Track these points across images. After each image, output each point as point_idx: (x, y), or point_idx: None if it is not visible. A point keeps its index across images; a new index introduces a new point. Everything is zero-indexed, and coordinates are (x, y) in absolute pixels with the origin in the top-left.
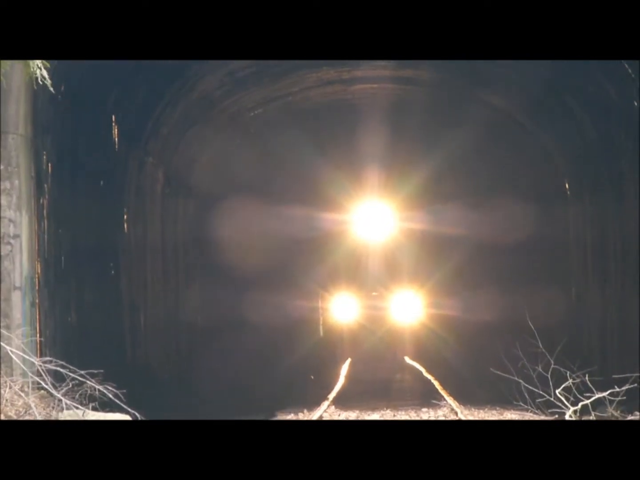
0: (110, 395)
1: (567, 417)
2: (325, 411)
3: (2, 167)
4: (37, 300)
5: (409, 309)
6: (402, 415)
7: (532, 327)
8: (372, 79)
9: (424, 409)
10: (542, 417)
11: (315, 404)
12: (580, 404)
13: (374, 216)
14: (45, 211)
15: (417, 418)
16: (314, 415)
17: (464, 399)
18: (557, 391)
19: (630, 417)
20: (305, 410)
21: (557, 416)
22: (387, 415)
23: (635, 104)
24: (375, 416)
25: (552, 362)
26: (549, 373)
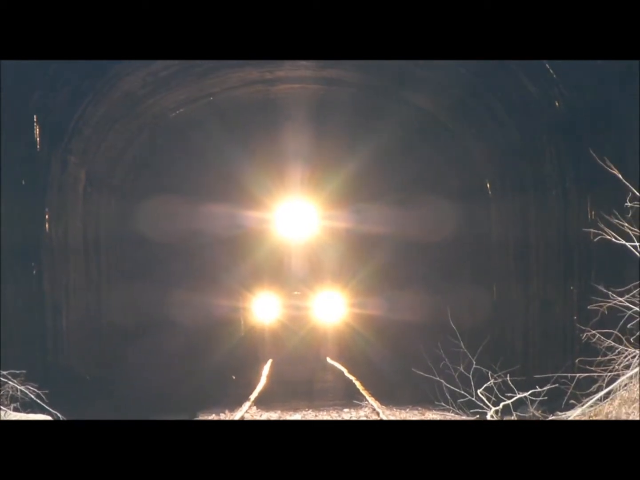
0: (32, 396)
1: (488, 417)
2: (247, 412)
3: None
4: None
5: (332, 308)
6: (324, 416)
7: (455, 326)
8: (295, 79)
9: (346, 410)
10: (463, 417)
11: (237, 404)
12: (501, 404)
13: (297, 214)
14: None
15: (339, 418)
16: (236, 416)
17: (387, 400)
18: (478, 391)
19: (551, 417)
20: (227, 411)
21: (478, 416)
22: (309, 415)
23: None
24: (297, 417)
25: (474, 362)
26: (471, 373)
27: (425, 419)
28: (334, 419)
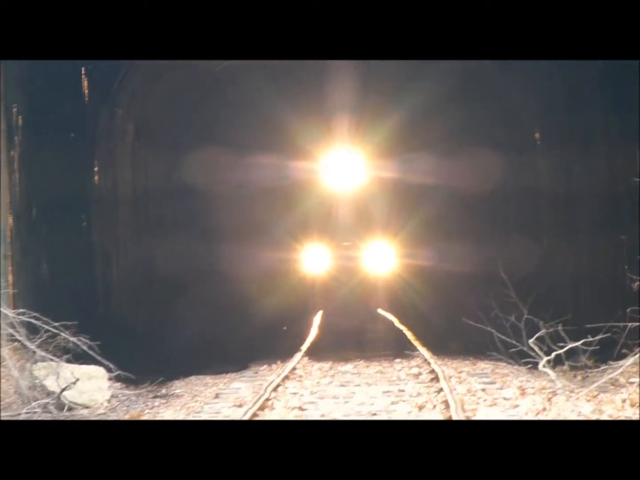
0: (85, 347)
1: (540, 367)
2: (299, 362)
3: None
4: (9, 253)
5: (382, 259)
6: (375, 366)
7: (505, 277)
8: None
9: (397, 360)
10: (515, 367)
11: (289, 354)
12: (553, 354)
13: (345, 165)
14: (16, 164)
15: (390, 368)
16: (288, 367)
17: (438, 350)
18: (530, 341)
19: (603, 367)
20: (278, 362)
21: (530, 366)
22: (360, 365)
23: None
24: (348, 367)
25: (525, 312)
26: (522, 323)
27: (477, 369)
28: (385, 368)
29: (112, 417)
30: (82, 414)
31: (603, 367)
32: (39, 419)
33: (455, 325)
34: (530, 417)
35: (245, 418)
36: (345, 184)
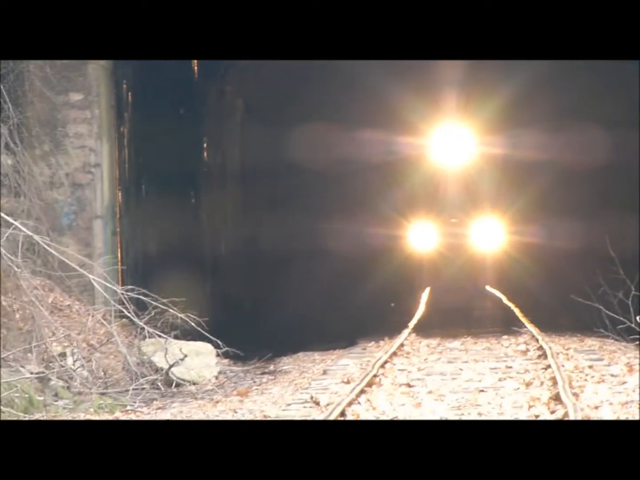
0: (193, 324)
1: None
2: (407, 339)
3: (82, 96)
4: (118, 229)
5: (490, 236)
6: (483, 342)
7: (613, 254)
8: None
9: (505, 337)
10: (623, 344)
11: (396, 331)
12: None
13: (452, 140)
14: (125, 140)
15: (498, 345)
16: (395, 343)
17: (546, 327)
18: (638, 317)
19: None
20: (386, 338)
21: (638, 342)
22: (468, 342)
23: None
24: (456, 343)
25: (633, 288)
26: (630, 299)
27: (586, 345)
28: (493, 345)
29: (220, 393)
30: (190, 390)
31: None
32: (42, 419)
33: (563, 303)
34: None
35: (353, 395)
36: (453, 160)
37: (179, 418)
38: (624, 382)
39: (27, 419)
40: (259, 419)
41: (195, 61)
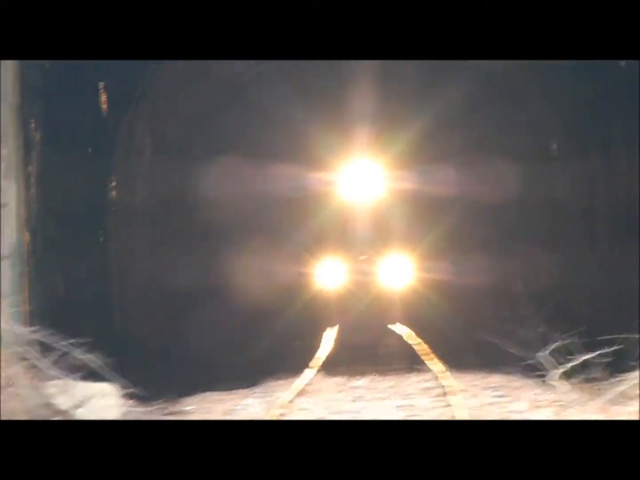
0: (97, 365)
1: (553, 380)
2: (312, 377)
3: None
4: (25, 269)
5: (399, 273)
6: (389, 380)
7: (521, 290)
8: None
9: (411, 374)
10: (528, 380)
11: (301, 370)
12: (565, 367)
13: (362, 176)
14: (33, 179)
15: (403, 383)
16: (301, 382)
17: (453, 363)
18: (543, 353)
19: (616, 379)
20: (292, 377)
21: (543, 379)
22: (374, 380)
23: (622, 64)
24: (362, 381)
25: (539, 324)
26: (536, 336)
27: (490, 382)
28: (398, 383)
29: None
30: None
31: (616, 379)
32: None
33: (470, 339)
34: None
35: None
36: (362, 196)
37: None
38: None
39: (27, 419)
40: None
41: (104, 98)
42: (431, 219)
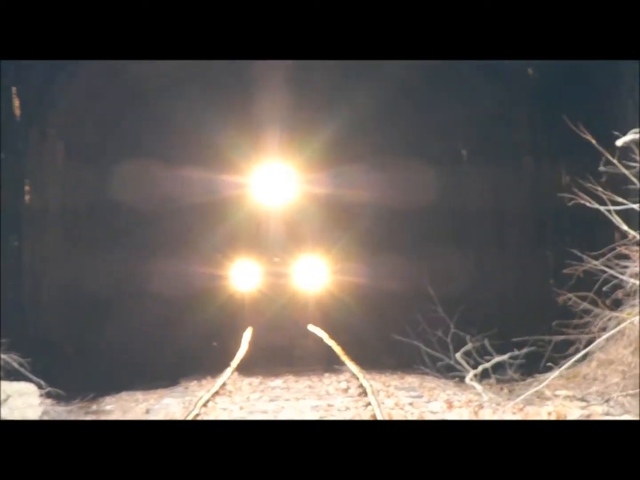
0: (15, 364)
1: (467, 380)
2: (229, 378)
3: None
4: None
5: (313, 275)
6: (305, 381)
7: (433, 292)
8: None
9: (326, 374)
10: (443, 380)
11: (218, 370)
12: (480, 367)
13: (275, 179)
14: None
15: (319, 383)
16: (218, 383)
17: (368, 365)
18: (457, 355)
19: (529, 380)
20: (208, 377)
21: (457, 379)
22: (289, 380)
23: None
24: (278, 382)
25: (452, 326)
26: (449, 337)
27: (405, 382)
28: (314, 383)
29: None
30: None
31: (529, 380)
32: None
33: (384, 340)
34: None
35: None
36: (275, 199)
37: None
38: (444, 419)
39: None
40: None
41: (17, 104)
42: (344, 222)
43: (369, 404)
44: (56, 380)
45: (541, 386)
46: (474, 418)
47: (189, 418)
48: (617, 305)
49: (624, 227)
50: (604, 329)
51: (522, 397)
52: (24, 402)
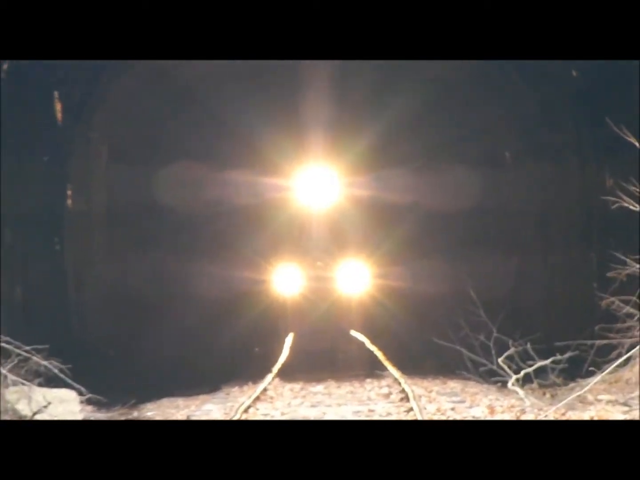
0: (56, 371)
1: (509, 385)
2: (270, 383)
3: None
4: None
5: (355, 279)
6: (347, 386)
7: (476, 296)
8: None
9: (368, 380)
10: (485, 385)
11: (260, 376)
12: (522, 372)
13: (318, 182)
14: None
15: (361, 388)
16: (259, 388)
17: (410, 370)
18: (499, 360)
19: (572, 385)
20: (250, 383)
21: (499, 384)
22: (331, 386)
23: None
24: (319, 387)
25: (495, 330)
26: (492, 342)
27: (447, 387)
28: (356, 389)
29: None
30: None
31: (571, 384)
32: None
33: (426, 345)
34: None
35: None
36: (318, 202)
37: None
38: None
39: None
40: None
41: (59, 107)
42: (387, 226)
43: (411, 409)
44: (97, 386)
45: (583, 391)
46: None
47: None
48: None
49: None
50: None
51: (564, 401)
52: (64, 409)
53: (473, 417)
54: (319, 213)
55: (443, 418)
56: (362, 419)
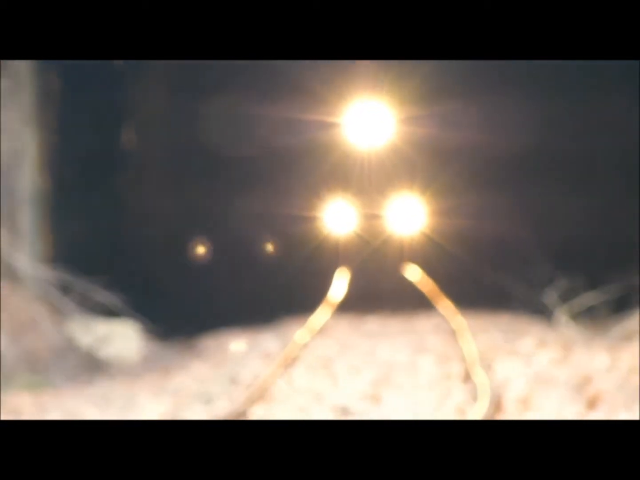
0: (117, 303)
1: (558, 318)
2: (325, 317)
3: (10, 82)
4: (45, 212)
5: (409, 217)
6: (398, 321)
7: (529, 233)
8: None
9: (420, 314)
10: (535, 319)
11: (315, 308)
12: (573, 307)
13: (370, 117)
14: (52, 127)
15: (413, 322)
16: (315, 321)
17: (463, 304)
18: (549, 294)
19: (620, 318)
20: (305, 316)
21: (550, 319)
22: (384, 320)
23: None
24: (373, 321)
25: (546, 265)
26: (543, 278)
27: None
28: (408, 323)
29: (145, 369)
30: (116, 366)
31: (619, 318)
32: (40, 419)
33: (478, 280)
34: (547, 373)
35: (271, 370)
36: (371, 138)
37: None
38: (535, 356)
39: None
40: (257, 419)
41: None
42: (442, 163)
43: (463, 342)
44: (156, 317)
45: (633, 323)
46: (565, 355)
47: (288, 358)
48: None
49: None
50: None
51: (613, 334)
52: (125, 339)
53: (522, 349)
54: (371, 149)
55: (492, 350)
56: (362, 419)
